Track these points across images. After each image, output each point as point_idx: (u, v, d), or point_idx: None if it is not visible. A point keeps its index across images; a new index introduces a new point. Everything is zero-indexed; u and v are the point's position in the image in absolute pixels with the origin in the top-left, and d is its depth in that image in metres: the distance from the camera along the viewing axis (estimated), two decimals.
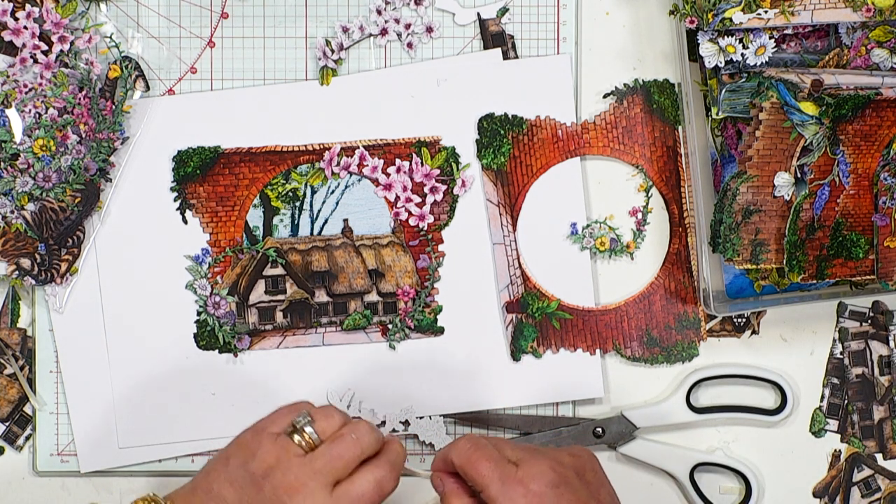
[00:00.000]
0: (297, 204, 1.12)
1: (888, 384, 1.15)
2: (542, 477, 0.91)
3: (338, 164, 1.11)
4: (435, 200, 1.12)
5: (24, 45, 1.07)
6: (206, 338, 1.12)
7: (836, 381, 1.15)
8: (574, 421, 1.13)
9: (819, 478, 1.15)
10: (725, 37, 1.06)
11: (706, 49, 1.07)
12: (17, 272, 1.09)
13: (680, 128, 1.13)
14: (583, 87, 1.13)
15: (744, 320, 1.14)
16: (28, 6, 1.07)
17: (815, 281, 1.10)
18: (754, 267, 1.09)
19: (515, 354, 1.12)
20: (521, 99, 1.12)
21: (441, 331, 1.12)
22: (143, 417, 1.11)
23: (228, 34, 1.12)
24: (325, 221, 1.12)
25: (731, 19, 1.05)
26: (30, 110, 1.07)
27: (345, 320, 1.12)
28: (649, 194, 1.13)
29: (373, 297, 1.12)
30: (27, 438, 1.13)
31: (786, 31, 1.08)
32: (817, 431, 1.15)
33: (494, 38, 1.12)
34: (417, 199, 1.12)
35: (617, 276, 1.13)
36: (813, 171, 1.08)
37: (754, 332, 1.15)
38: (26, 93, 1.07)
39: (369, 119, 1.11)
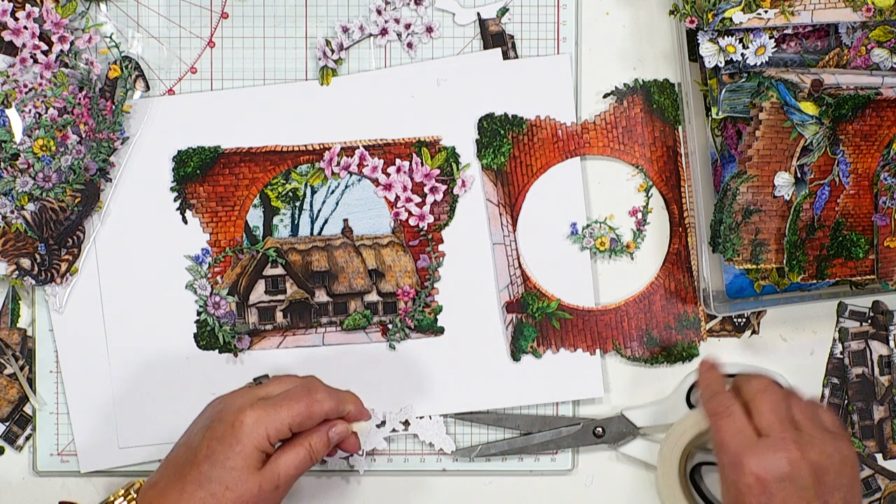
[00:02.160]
0: (297, 204, 1.12)
1: (888, 384, 1.15)
2: (773, 468, 0.96)
3: (338, 164, 1.11)
4: (435, 200, 1.12)
5: (24, 45, 1.07)
6: (206, 338, 1.12)
7: (836, 381, 1.15)
8: (574, 421, 1.13)
9: None
10: (725, 37, 1.06)
11: (706, 49, 1.07)
12: (17, 272, 1.09)
13: (680, 128, 1.13)
14: (583, 87, 1.13)
15: (744, 320, 1.14)
16: (28, 6, 1.07)
17: (815, 281, 1.10)
18: (754, 267, 1.09)
19: (515, 354, 1.12)
20: (521, 99, 1.12)
21: (441, 331, 1.12)
22: (143, 417, 1.11)
23: (228, 34, 1.12)
24: (325, 221, 1.12)
25: (731, 19, 1.05)
26: (30, 110, 1.07)
27: (345, 320, 1.12)
28: (649, 194, 1.13)
29: (373, 297, 1.12)
30: (27, 438, 1.13)
31: (786, 31, 1.08)
32: None
33: (494, 38, 1.12)
34: (417, 199, 1.12)
35: (617, 276, 1.13)
36: (813, 171, 1.08)
37: (754, 332, 1.15)
38: (26, 93, 1.07)
39: (369, 119, 1.11)
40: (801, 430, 0.99)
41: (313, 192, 1.12)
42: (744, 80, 1.07)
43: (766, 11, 1.05)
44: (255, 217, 1.12)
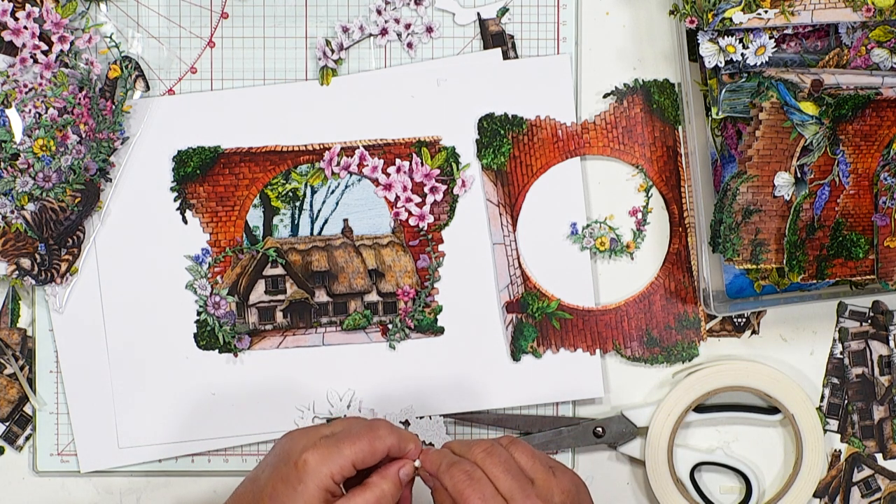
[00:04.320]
0: (297, 204, 1.12)
1: (888, 384, 1.15)
2: None
3: (338, 164, 1.11)
4: (435, 200, 1.12)
5: (24, 45, 1.07)
6: (206, 338, 1.12)
7: (836, 381, 1.15)
8: (574, 421, 1.13)
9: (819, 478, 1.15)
10: (725, 37, 1.06)
11: (706, 49, 1.07)
12: (17, 272, 1.09)
13: (680, 128, 1.13)
14: (583, 87, 1.13)
15: (744, 320, 1.14)
16: (28, 6, 1.07)
17: (815, 281, 1.10)
18: (754, 267, 1.09)
19: (515, 354, 1.12)
20: (521, 99, 1.12)
21: (441, 331, 1.12)
22: (143, 417, 1.11)
23: (228, 34, 1.12)
24: (325, 221, 1.12)
25: (731, 19, 1.05)
26: (30, 110, 1.07)
27: (345, 320, 1.12)
28: (649, 194, 1.13)
29: (373, 297, 1.12)
30: (27, 438, 1.13)
31: (786, 31, 1.08)
32: None
33: (494, 38, 1.12)
34: (417, 199, 1.12)
35: (617, 276, 1.13)
36: (813, 171, 1.08)
37: (754, 332, 1.15)
38: (26, 93, 1.07)
39: (369, 119, 1.11)
40: (535, 481, 0.95)
41: (313, 192, 1.12)
42: (744, 80, 1.07)
43: (766, 11, 1.05)
44: (255, 217, 1.12)
